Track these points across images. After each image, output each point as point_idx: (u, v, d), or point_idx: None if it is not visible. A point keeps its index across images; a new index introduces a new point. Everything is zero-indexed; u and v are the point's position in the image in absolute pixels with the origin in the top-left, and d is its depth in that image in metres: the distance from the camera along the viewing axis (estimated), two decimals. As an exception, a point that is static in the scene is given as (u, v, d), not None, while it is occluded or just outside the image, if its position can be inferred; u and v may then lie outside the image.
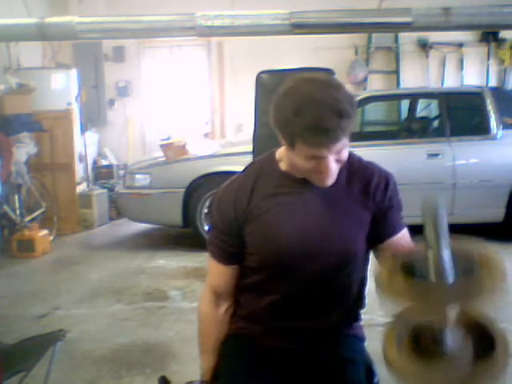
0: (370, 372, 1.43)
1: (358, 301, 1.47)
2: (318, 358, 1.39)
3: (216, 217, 1.43)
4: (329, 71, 1.51)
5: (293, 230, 1.35)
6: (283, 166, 1.39)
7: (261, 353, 1.41)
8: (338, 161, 1.26)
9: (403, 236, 1.41)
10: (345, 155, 1.27)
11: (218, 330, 1.48)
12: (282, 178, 1.38)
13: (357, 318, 1.50)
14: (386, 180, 1.40)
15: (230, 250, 1.42)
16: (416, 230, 4.55)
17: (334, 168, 1.26)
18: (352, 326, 1.48)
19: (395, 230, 1.40)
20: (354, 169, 1.39)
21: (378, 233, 1.39)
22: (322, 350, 1.40)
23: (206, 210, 4.72)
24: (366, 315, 1.53)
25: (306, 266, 1.35)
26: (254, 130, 2.22)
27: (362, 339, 1.50)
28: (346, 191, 1.37)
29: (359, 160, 1.44)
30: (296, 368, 1.39)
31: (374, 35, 6.82)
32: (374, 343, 1.50)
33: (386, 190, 1.39)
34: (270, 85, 1.44)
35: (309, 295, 1.38)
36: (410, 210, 5.93)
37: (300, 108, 1.18)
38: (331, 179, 1.29)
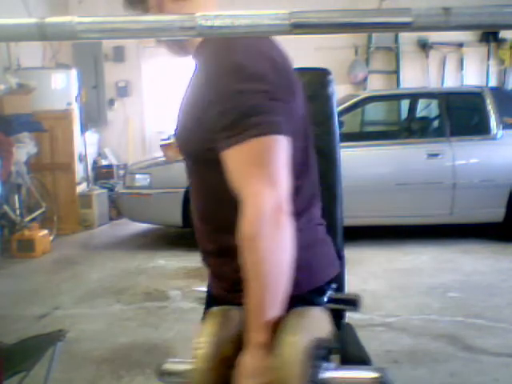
0: None
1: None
2: None
3: None
4: (325, 71, 1.51)
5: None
6: None
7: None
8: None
9: (228, 161, 0.99)
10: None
11: None
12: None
13: None
14: (214, 61, 1.03)
15: None
16: (416, 230, 4.52)
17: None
18: None
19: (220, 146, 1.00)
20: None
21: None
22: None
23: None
24: (365, 315, 1.53)
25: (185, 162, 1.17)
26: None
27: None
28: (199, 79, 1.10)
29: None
30: None
31: (373, 35, 6.82)
32: (373, 343, 1.50)
33: (209, 79, 1.03)
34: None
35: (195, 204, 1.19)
36: (410, 209, 5.92)
37: None
38: None
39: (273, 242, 0.92)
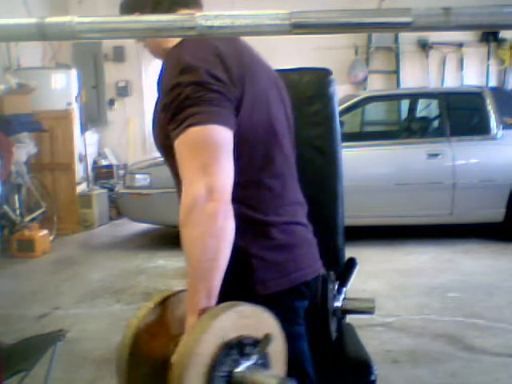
0: (366, 368, 1.42)
1: None
2: None
3: None
4: (326, 71, 1.51)
5: None
6: None
7: None
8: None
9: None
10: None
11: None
12: None
13: None
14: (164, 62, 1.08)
15: None
16: (416, 230, 4.50)
17: None
18: None
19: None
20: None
21: None
22: None
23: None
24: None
25: None
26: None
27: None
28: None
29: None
30: None
31: (374, 35, 6.82)
32: (373, 343, 1.50)
33: (160, 77, 1.06)
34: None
35: None
36: (410, 209, 5.91)
37: None
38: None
39: (202, 229, 0.92)
